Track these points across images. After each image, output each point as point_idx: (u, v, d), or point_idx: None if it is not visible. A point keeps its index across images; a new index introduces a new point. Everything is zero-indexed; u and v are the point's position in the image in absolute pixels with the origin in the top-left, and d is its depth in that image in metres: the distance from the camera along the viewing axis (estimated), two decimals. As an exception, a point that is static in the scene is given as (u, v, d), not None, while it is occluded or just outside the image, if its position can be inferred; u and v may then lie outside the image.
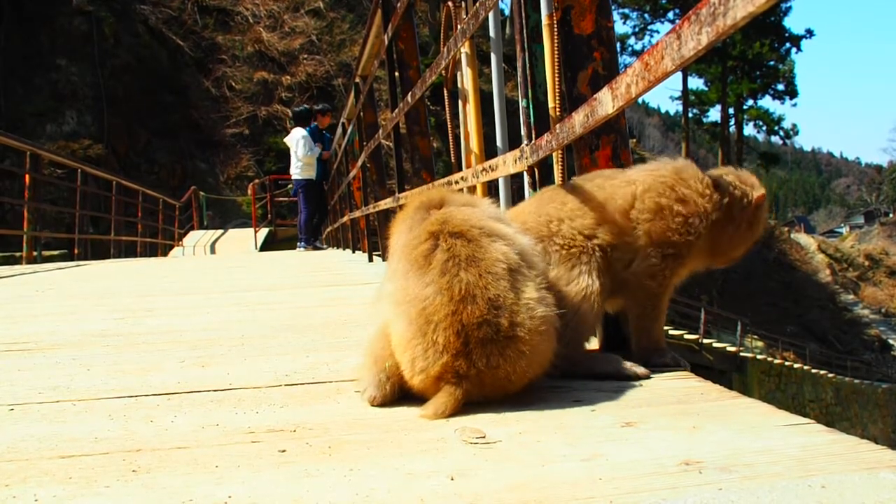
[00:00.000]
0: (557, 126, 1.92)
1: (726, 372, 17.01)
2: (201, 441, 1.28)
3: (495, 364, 1.36)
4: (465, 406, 1.36)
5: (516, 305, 1.38)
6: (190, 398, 1.61)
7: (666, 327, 1.81)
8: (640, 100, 1.79)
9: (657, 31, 44.64)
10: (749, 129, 49.10)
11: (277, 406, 1.51)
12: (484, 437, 1.22)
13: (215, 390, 1.67)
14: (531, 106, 2.32)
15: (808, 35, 43.45)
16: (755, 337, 24.60)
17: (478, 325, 1.34)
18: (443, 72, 4.15)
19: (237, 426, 1.37)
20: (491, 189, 4.27)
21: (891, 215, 63.71)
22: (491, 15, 3.23)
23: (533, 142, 2.25)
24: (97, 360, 2.10)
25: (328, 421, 1.38)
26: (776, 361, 20.58)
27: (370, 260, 6.97)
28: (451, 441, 1.22)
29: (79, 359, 2.14)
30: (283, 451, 1.20)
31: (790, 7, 42.95)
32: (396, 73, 5.30)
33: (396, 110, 5.16)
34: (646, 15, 43.50)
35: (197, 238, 16.22)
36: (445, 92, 5.94)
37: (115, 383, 1.79)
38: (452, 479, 1.04)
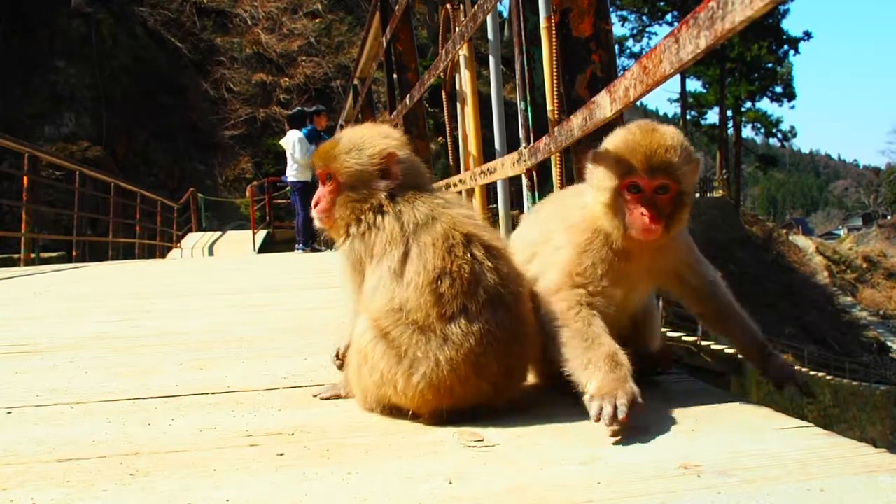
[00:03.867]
0: (556, 129, 1.92)
1: (725, 374, 16.98)
2: (199, 444, 1.28)
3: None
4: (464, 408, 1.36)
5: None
6: (188, 401, 1.61)
7: (664, 329, 1.81)
8: (638, 102, 1.79)
9: (655, 34, 44.74)
10: (747, 132, 49.26)
11: (275, 409, 1.51)
12: (482, 440, 1.22)
13: (213, 393, 1.67)
14: (529, 108, 2.32)
15: (806, 37, 43.58)
16: (753, 339, 24.52)
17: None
18: (441, 74, 4.16)
19: (235, 429, 1.36)
20: (490, 191, 4.27)
21: (889, 217, 63.74)
22: (489, 17, 3.23)
23: (531, 144, 2.25)
24: (95, 363, 2.10)
25: (326, 424, 1.38)
26: (774, 363, 20.51)
27: (369, 262, 6.94)
28: (449, 444, 1.22)
29: (76, 361, 2.13)
30: (282, 454, 1.20)
31: (788, 9, 43.11)
32: (395, 75, 5.31)
33: (395, 112, 5.17)
34: (644, 17, 43.56)
35: (195, 240, 16.17)
36: (444, 94, 5.92)
37: (112, 386, 1.78)
38: (451, 483, 1.04)
